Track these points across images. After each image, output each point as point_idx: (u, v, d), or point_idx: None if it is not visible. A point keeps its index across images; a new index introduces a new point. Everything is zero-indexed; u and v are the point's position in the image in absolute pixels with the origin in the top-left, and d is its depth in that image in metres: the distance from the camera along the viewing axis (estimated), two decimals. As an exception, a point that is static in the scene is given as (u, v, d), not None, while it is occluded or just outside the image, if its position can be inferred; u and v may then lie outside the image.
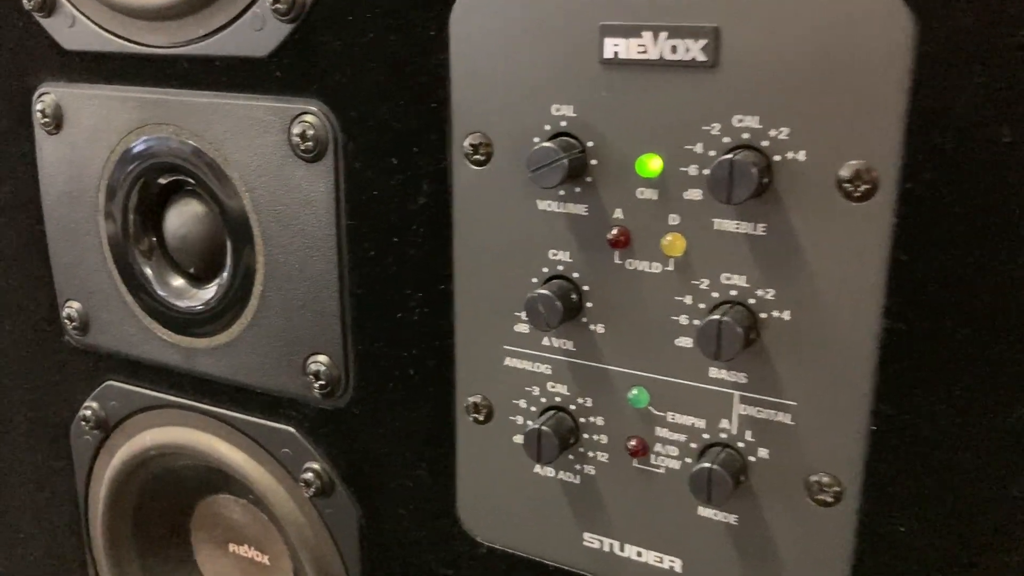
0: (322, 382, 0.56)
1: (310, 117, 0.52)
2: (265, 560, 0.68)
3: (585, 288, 0.48)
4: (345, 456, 0.59)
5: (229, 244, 0.58)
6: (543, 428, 0.49)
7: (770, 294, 0.43)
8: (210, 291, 0.60)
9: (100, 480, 0.69)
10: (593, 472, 0.50)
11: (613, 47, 0.44)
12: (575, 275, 0.48)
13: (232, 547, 0.69)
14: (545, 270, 0.49)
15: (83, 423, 0.68)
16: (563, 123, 0.46)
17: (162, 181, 0.60)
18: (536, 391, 0.51)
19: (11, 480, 0.75)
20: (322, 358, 0.56)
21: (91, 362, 0.67)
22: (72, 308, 0.65)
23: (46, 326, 0.68)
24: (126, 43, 0.58)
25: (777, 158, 0.41)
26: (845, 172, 0.40)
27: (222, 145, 0.56)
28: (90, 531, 0.71)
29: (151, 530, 0.70)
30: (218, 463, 0.63)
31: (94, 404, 0.67)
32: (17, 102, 0.64)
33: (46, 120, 0.62)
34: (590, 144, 0.46)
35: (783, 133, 0.41)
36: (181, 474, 0.68)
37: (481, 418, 0.53)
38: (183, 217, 0.60)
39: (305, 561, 0.61)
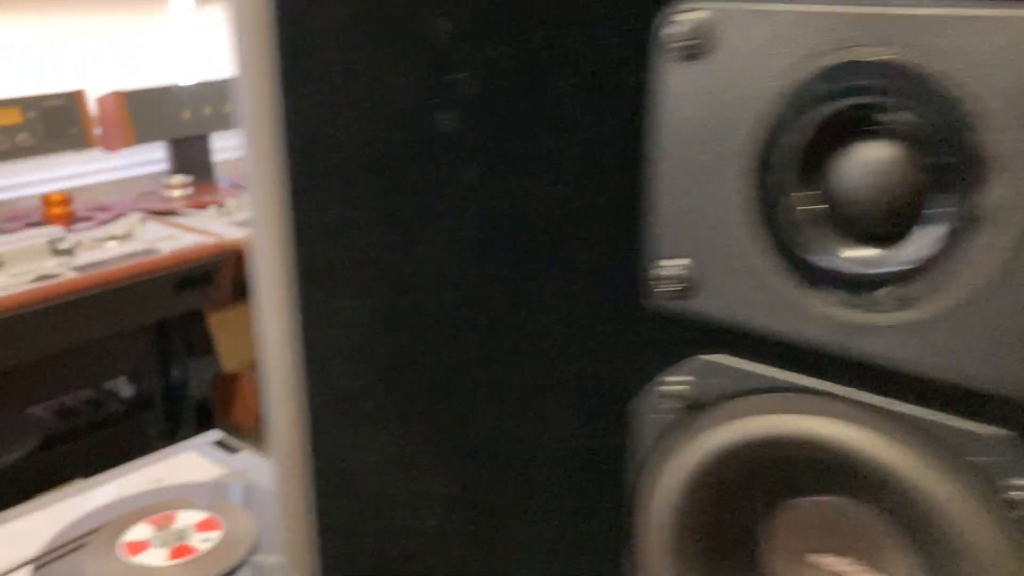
0: (1079, 379, 0.44)
1: None
2: (880, 580, 0.57)
3: None
4: (1085, 475, 0.46)
5: (939, 196, 0.46)
6: None
7: None
8: (898, 254, 0.49)
9: (671, 466, 0.60)
10: None
11: None
12: None
13: (822, 558, 0.59)
14: None
15: (663, 400, 0.59)
16: None
17: (846, 118, 0.49)
18: None
19: (547, 455, 0.68)
20: (1082, 348, 0.44)
21: (683, 330, 0.58)
22: (675, 266, 0.56)
23: (630, 285, 0.59)
24: (826, -55, 0.47)
25: None
26: None
27: (970, 71, 0.44)
28: (640, 523, 0.63)
29: (724, 529, 0.61)
30: (866, 465, 0.52)
31: (685, 379, 0.58)
32: (640, 22, 0.55)
33: (685, 44, 0.52)
34: None
35: None
36: (773, 468, 0.57)
37: None
38: (868, 163, 0.49)
39: (977, 595, 0.50)
